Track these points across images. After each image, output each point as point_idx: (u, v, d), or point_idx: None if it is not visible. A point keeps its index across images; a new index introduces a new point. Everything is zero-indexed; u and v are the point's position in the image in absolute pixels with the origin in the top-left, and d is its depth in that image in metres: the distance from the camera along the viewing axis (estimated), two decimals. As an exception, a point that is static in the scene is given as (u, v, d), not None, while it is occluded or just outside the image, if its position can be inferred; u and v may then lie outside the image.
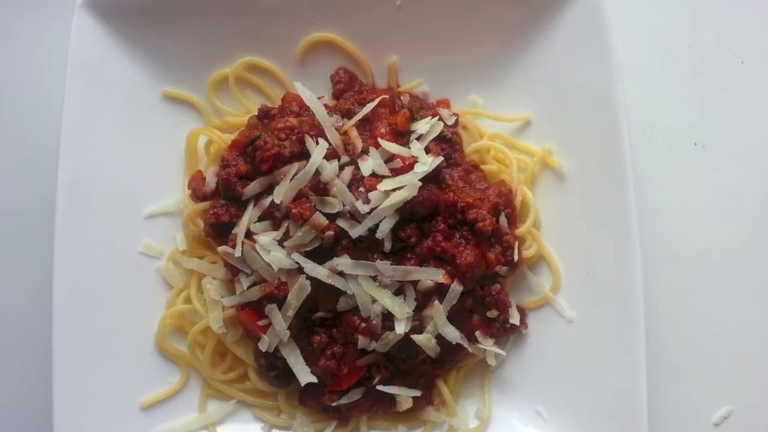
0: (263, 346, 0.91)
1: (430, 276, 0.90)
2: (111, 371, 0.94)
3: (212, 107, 1.07)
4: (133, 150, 1.01)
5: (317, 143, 0.91)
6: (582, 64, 0.98)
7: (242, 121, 1.04)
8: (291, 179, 0.90)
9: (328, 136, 0.93)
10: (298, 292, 0.88)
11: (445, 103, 1.07)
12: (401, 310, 0.87)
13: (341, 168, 0.91)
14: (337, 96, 1.05)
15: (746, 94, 1.14)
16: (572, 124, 1.00)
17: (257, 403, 0.99)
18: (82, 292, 0.93)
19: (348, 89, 1.05)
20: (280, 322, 0.89)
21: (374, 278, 0.88)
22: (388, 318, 0.89)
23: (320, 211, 0.88)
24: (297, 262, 0.88)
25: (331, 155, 0.92)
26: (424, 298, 0.90)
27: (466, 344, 0.92)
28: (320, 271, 0.87)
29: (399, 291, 0.90)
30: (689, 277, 1.06)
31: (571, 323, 0.97)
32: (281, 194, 0.90)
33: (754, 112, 1.13)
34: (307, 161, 0.91)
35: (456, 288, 0.90)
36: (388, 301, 0.87)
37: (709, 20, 1.15)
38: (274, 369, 0.94)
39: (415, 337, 0.89)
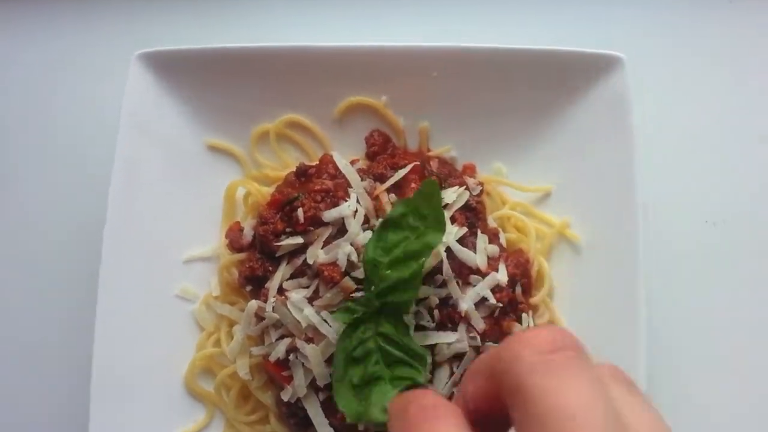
0: (286, 397, 0.97)
1: (447, 339, 0.95)
2: (143, 406, 1.00)
3: (252, 159, 1.13)
4: (175, 197, 1.08)
5: (355, 212, 0.97)
6: (603, 144, 1.03)
7: (280, 175, 1.11)
8: (324, 242, 0.96)
9: (361, 202, 0.99)
10: (323, 350, 0.94)
11: (471, 169, 1.13)
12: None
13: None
14: (370, 156, 1.12)
15: (761, 173, 1.18)
16: (590, 200, 1.05)
17: (276, 446, 1.05)
18: (121, 331, 0.99)
19: (381, 151, 1.11)
20: (301, 377, 0.95)
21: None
22: (406, 380, 0.94)
23: (350, 275, 0.94)
24: (326, 321, 0.94)
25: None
26: (439, 362, 0.96)
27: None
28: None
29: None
30: (696, 353, 1.10)
31: (578, 392, 1.01)
32: (314, 255, 0.96)
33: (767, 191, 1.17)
34: (341, 223, 0.97)
35: (471, 354, 0.96)
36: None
37: (729, 99, 1.20)
38: (294, 417, 1.00)
39: None
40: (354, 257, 0.94)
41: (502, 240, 1.07)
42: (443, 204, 1.02)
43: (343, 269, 0.94)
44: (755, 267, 1.14)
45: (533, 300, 1.04)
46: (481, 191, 1.08)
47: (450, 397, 0.97)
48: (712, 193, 1.18)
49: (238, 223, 1.08)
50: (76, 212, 1.16)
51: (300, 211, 0.97)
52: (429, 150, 1.13)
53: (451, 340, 0.94)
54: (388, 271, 0.90)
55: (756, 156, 1.19)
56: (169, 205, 1.07)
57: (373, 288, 0.91)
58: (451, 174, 1.08)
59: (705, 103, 1.21)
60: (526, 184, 1.11)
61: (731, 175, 1.18)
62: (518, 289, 1.02)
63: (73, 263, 1.13)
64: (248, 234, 1.04)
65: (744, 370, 1.10)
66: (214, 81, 1.08)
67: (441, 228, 0.91)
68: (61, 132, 1.21)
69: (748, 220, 1.16)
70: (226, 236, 1.07)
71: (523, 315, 1.02)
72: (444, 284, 0.96)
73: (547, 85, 1.06)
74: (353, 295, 0.93)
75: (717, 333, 1.11)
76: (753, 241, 1.15)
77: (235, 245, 1.05)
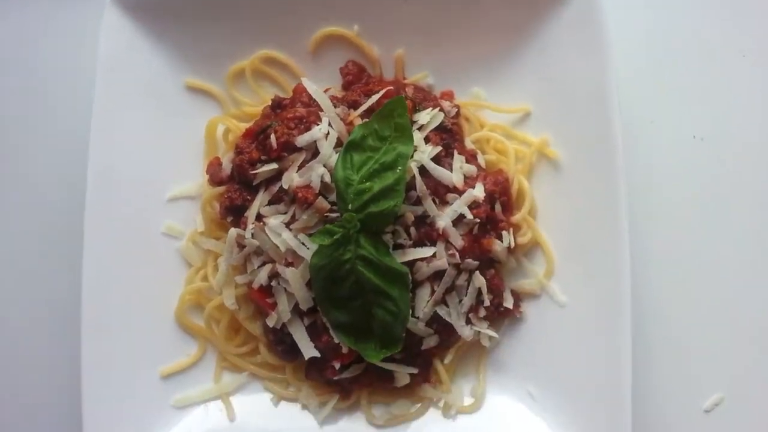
0: (271, 322, 0.98)
1: (424, 254, 0.95)
2: (135, 342, 1.02)
3: (231, 98, 1.14)
4: (157, 137, 1.09)
5: (327, 134, 0.97)
6: (579, 59, 1.01)
7: (258, 111, 1.11)
8: (299, 166, 0.97)
9: (333, 126, 0.99)
10: (303, 273, 0.94)
11: (449, 95, 1.12)
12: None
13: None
14: (346, 87, 1.11)
15: (746, 87, 1.15)
16: (569, 116, 1.04)
17: (267, 376, 1.06)
18: (109, 270, 1.01)
19: (356, 81, 1.11)
20: (284, 302, 0.96)
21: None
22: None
23: (324, 195, 0.95)
24: (303, 243, 0.94)
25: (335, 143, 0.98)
26: (420, 281, 0.96)
27: (458, 325, 0.97)
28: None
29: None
30: (682, 267, 1.09)
31: (563, 308, 1.01)
32: (289, 180, 0.97)
33: (753, 105, 1.14)
34: (315, 148, 0.98)
35: (451, 272, 0.96)
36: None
37: (711, 14, 1.17)
38: (282, 344, 1.01)
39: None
40: (327, 178, 0.95)
41: (481, 161, 1.06)
42: (418, 126, 1.02)
43: (317, 191, 0.95)
44: (744, 179, 1.12)
45: (514, 218, 1.04)
46: (458, 113, 1.07)
47: (433, 316, 0.97)
48: (699, 109, 1.15)
49: (217, 158, 1.09)
50: (58, 161, 1.17)
51: (273, 138, 0.98)
52: (405, 78, 1.13)
53: (428, 254, 0.95)
54: (368, 183, 0.91)
55: (739, 71, 1.15)
56: (151, 146, 1.08)
57: (350, 206, 0.91)
58: (426, 98, 1.07)
59: (686, 18, 1.18)
60: (504, 106, 1.09)
61: (716, 90, 1.15)
62: (497, 207, 1.01)
63: (57, 208, 1.15)
64: (227, 167, 1.05)
65: (727, 279, 1.08)
66: (189, 21, 1.08)
67: (409, 139, 0.91)
68: (41, 84, 1.21)
69: (735, 133, 1.13)
70: (207, 171, 1.08)
71: (504, 233, 1.01)
72: (419, 201, 0.96)
73: (518, 3, 1.04)
74: (328, 215, 0.94)
75: (706, 243, 1.10)
76: (741, 153, 1.13)
77: (215, 179, 1.06)
